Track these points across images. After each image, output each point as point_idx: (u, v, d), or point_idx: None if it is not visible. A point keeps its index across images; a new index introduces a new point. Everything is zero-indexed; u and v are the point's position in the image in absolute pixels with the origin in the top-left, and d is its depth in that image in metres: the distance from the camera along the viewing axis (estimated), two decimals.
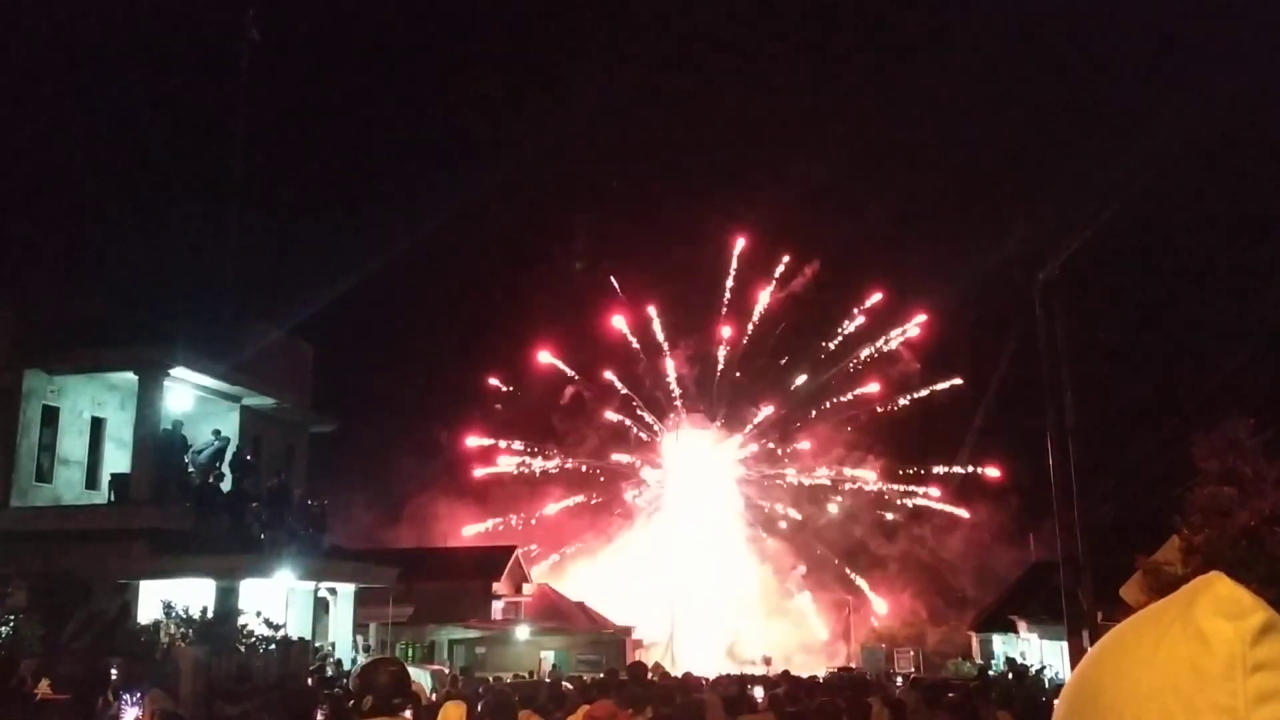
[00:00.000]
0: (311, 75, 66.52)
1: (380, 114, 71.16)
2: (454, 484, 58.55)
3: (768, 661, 46.11)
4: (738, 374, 60.37)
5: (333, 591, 28.27)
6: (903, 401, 57.54)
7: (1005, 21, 54.60)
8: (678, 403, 59.89)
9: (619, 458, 59.58)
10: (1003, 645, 40.40)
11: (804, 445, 58.82)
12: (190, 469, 26.89)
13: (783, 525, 58.70)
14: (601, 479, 59.48)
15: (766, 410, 59.21)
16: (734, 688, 17.18)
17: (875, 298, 59.04)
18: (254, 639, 23.02)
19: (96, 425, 28.04)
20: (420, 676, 24.61)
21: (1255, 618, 0.85)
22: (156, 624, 22.44)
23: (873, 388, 58.56)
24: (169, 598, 22.86)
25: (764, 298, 60.01)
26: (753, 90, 68.55)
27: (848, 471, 57.58)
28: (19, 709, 14.28)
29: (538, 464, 58.96)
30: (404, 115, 71.98)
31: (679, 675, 19.94)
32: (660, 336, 59.95)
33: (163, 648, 21.50)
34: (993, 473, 54.50)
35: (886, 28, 65.43)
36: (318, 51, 60.17)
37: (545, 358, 60.06)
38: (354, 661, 26.59)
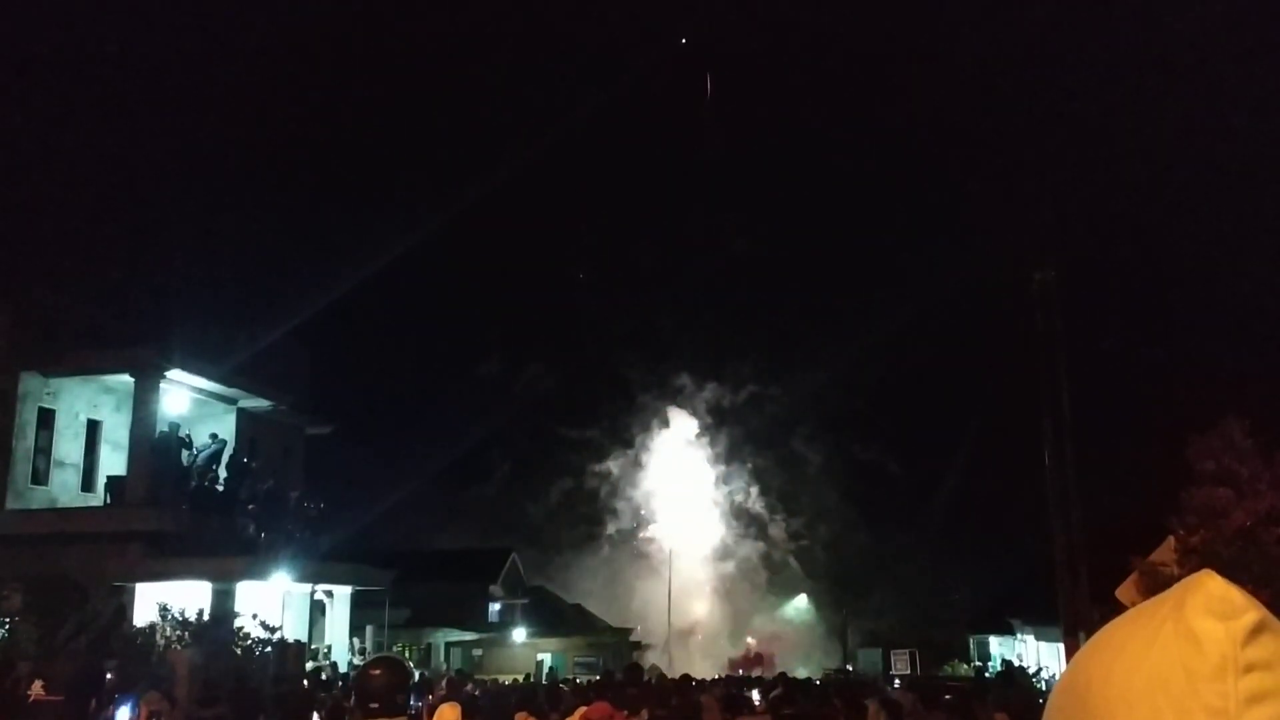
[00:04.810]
0: (308, 78, 66.44)
1: (377, 116, 71.14)
2: (451, 485, 58.49)
3: (757, 660, 46.09)
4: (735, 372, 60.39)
5: (329, 594, 28.22)
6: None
7: (1005, 17, 54.65)
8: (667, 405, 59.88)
9: (613, 460, 59.50)
10: (999, 646, 40.42)
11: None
12: (191, 470, 26.85)
13: (777, 524, 58.66)
14: (597, 478, 59.37)
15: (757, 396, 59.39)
16: (731, 689, 17.16)
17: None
18: (250, 641, 22.96)
19: (92, 428, 28.00)
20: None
21: (1247, 617, 0.83)
22: (152, 626, 22.39)
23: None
24: (165, 600, 22.82)
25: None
26: (753, 84, 68.45)
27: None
28: (12, 711, 14.25)
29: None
30: (401, 117, 71.94)
31: (676, 677, 19.92)
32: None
33: (159, 650, 21.45)
34: (990, 472, 54.38)
35: (884, 23, 65.41)
36: (313, 54, 60.10)
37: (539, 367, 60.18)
38: (350, 664, 26.55)
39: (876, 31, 64.95)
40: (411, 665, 28.84)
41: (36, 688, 15.72)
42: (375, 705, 4.58)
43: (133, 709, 13.59)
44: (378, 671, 4.78)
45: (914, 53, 63.38)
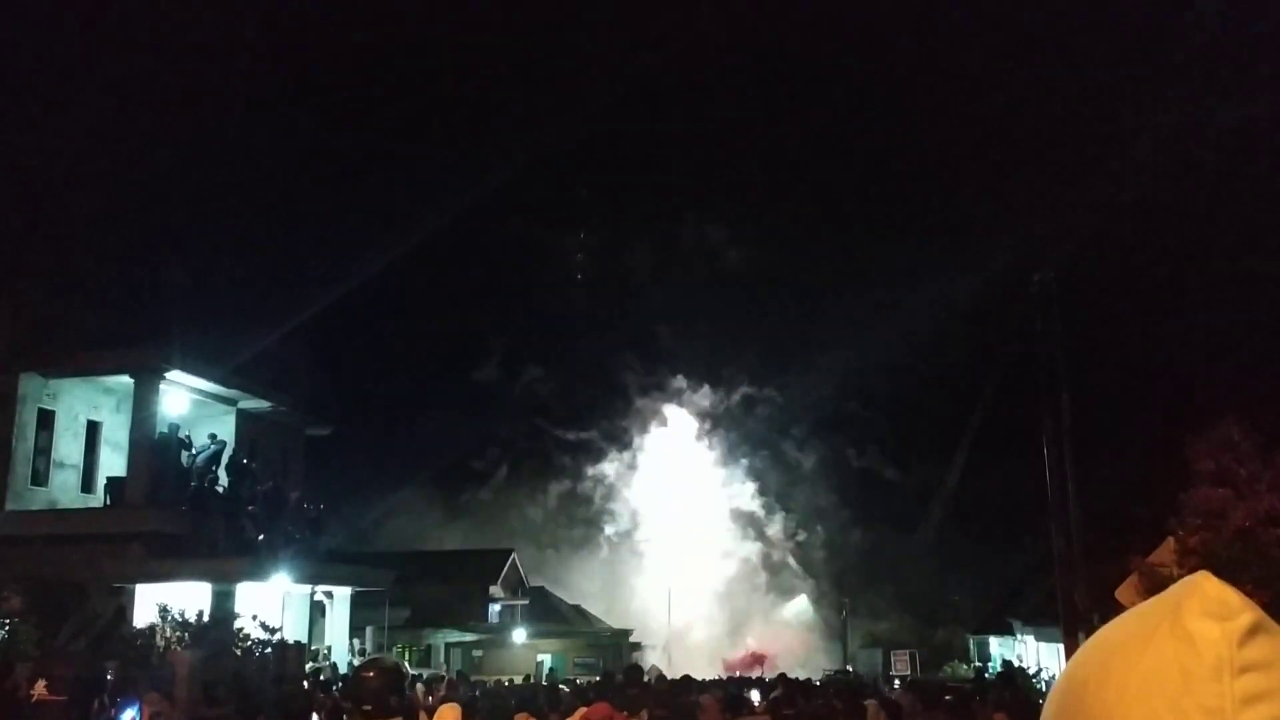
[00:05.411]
0: (307, 79, 66.53)
1: (375, 117, 71.22)
2: (451, 486, 58.52)
3: (757, 660, 46.08)
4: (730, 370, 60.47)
5: (329, 595, 28.22)
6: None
7: (1004, 18, 54.69)
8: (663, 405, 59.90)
9: (607, 464, 59.51)
10: (999, 647, 40.37)
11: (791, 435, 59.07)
12: (191, 472, 26.85)
13: (776, 524, 58.68)
14: (596, 479, 59.37)
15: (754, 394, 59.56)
16: (731, 690, 17.17)
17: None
18: (250, 642, 22.97)
19: (92, 429, 28.00)
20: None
21: (1243, 618, 0.85)
22: (152, 627, 22.39)
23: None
24: (165, 601, 22.82)
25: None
26: (746, 88, 68.56)
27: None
28: (14, 712, 14.26)
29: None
30: (399, 119, 72.03)
31: (676, 678, 19.91)
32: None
33: (159, 651, 21.45)
34: (989, 473, 54.36)
35: (884, 23, 65.47)
36: (312, 57, 60.19)
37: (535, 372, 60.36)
38: (350, 665, 26.55)
39: (872, 32, 65.00)
40: (407, 666, 28.84)
41: (40, 688, 15.74)
42: (368, 708, 4.58)
43: (136, 712, 13.60)
44: (371, 674, 4.80)
45: (910, 53, 63.44)
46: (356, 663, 27.26)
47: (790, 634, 53.56)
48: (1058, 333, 18.10)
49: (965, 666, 41.94)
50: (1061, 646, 20.72)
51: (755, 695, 16.01)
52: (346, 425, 39.13)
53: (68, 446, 27.38)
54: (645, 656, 42.26)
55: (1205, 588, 0.87)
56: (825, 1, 65.36)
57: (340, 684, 21.39)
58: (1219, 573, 0.91)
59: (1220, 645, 0.83)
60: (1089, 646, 0.93)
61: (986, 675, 29.94)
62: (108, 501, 27.02)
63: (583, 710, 8.12)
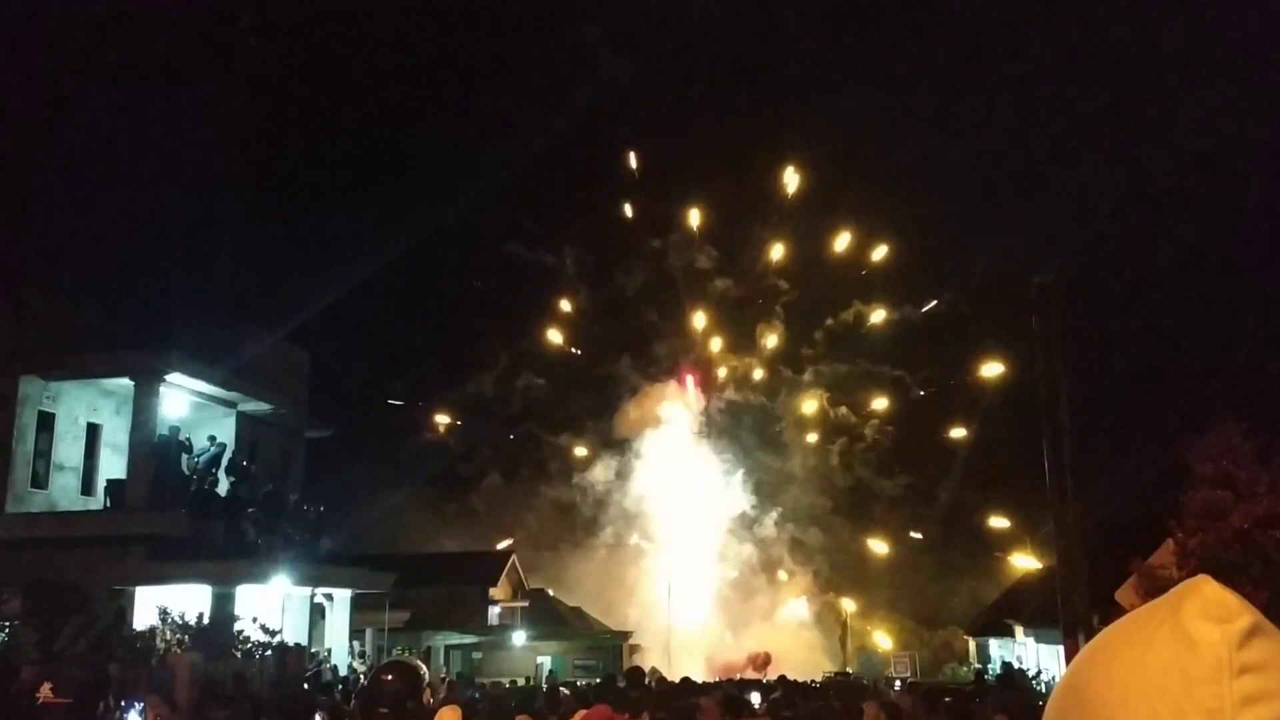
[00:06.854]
0: (307, 79, 66.55)
1: (375, 119, 71.25)
2: (450, 489, 58.50)
3: (763, 663, 46.09)
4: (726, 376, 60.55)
5: (329, 597, 28.20)
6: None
7: (1003, 21, 54.76)
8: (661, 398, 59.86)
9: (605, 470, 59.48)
10: (999, 649, 40.35)
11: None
12: (192, 475, 26.83)
13: (776, 527, 58.64)
14: (595, 482, 59.35)
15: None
16: (731, 692, 17.17)
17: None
18: (250, 645, 22.96)
19: (92, 431, 27.98)
20: None
21: (1242, 621, 0.86)
22: (152, 630, 22.38)
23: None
24: (165, 604, 22.82)
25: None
26: (750, 86, 68.46)
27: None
28: (20, 714, 14.27)
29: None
30: (399, 120, 72.05)
31: (676, 680, 19.95)
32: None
33: (159, 654, 21.45)
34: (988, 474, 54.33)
35: (884, 24, 65.48)
36: (311, 55, 60.15)
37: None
38: (350, 667, 26.55)
39: (867, 31, 65.06)
40: (426, 670, 28.82)
41: (45, 690, 15.75)
42: (384, 710, 4.47)
43: (140, 713, 13.62)
44: (390, 676, 4.65)
45: (908, 53, 63.44)
46: (357, 665, 27.28)
47: (789, 635, 53.54)
48: (1056, 335, 18.13)
49: (965, 668, 41.92)
50: (1061, 648, 20.74)
51: (755, 697, 16.02)
52: (346, 427, 39.14)
53: (68, 449, 27.36)
54: (645, 658, 42.23)
55: (1205, 591, 0.89)
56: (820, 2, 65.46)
57: (340, 686, 21.40)
58: (1218, 574, 0.93)
59: (1220, 647, 0.85)
60: (1090, 649, 0.94)
61: (986, 677, 29.97)
62: (108, 504, 26.99)
63: (583, 713, 8.12)
